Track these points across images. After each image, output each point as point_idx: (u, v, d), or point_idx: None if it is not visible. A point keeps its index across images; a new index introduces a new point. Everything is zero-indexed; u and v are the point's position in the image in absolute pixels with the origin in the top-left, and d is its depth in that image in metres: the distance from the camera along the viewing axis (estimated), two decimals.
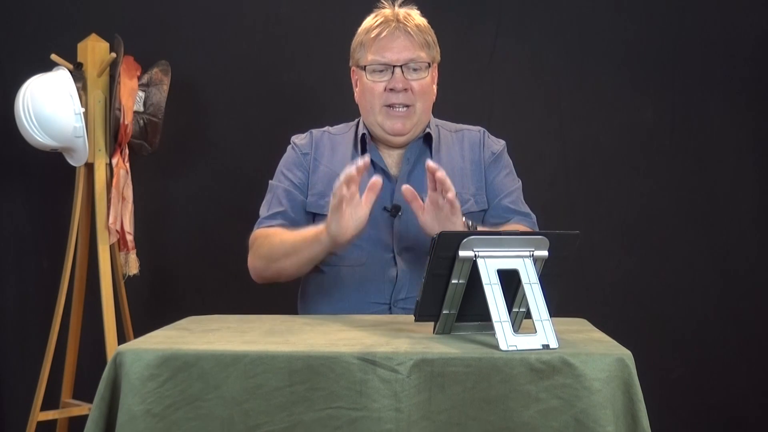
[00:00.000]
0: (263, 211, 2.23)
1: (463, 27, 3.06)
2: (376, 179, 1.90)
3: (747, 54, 3.07)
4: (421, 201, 1.94)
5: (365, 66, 2.18)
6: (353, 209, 1.90)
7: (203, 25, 3.11)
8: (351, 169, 1.86)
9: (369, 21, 2.21)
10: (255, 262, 2.18)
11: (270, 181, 2.27)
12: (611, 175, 3.09)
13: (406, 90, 2.16)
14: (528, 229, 2.16)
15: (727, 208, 3.08)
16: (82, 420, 2.51)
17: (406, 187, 1.94)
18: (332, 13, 3.07)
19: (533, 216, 2.24)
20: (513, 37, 3.10)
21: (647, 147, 3.09)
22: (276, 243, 2.12)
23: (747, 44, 3.07)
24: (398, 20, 2.17)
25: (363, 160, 1.88)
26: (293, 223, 2.18)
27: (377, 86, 2.17)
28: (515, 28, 3.10)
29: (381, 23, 2.18)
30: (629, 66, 3.08)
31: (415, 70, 2.17)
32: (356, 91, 2.26)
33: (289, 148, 2.30)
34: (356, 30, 2.25)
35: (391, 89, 2.16)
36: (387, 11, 2.21)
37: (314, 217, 2.20)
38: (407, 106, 2.17)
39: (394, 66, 2.15)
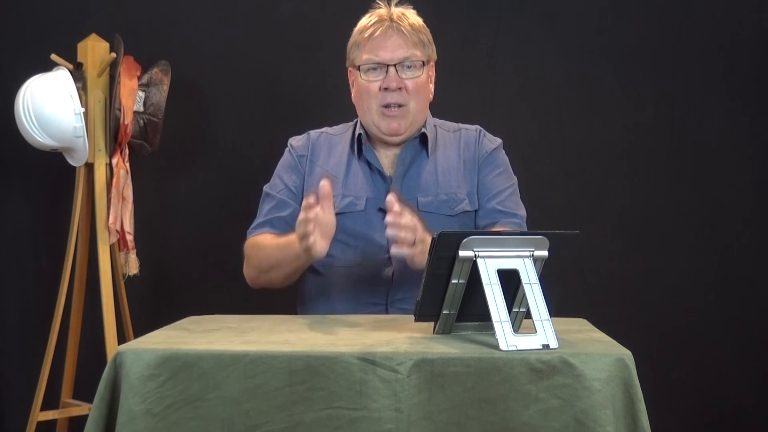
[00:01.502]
0: (256, 219, 2.25)
1: (463, 27, 3.06)
2: (324, 183, 1.86)
3: (747, 54, 3.07)
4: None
5: (360, 66, 2.18)
6: (321, 228, 1.87)
7: (203, 25, 3.11)
8: (307, 206, 1.83)
9: (363, 21, 2.22)
10: (248, 271, 2.21)
11: (264, 187, 2.27)
12: (611, 175, 3.09)
13: (400, 89, 2.16)
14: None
15: (727, 207, 3.07)
16: (82, 420, 2.51)
17: (390, 197, 1.86)
18: (332, 13, 3.07)
19: (522, 215, 2.22)
20: (513, 37, 3.10)
21: (647, 147, 3.09)
22: (263, 255, 2.14)
23: (747, 44, 3.07)
24: (392, 20, 2.18)
25: (324, 183, 1.86)
26: (286, 229, 2.17)
27: (372, 86, 2.17)
28: (515, 28, 3.10)
29: (375, 23, 2.18)
30: (629, 66, 3.08)
31: (409, 68, 2.17)
32: (353, 91, 2.26)
33: (286, 151, 2.30)
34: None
35: (386, 88, 2.16)
36: (382, 11, 2.21)
37: None
38: (402, 105, 2.17)
39: (387, 65, 2.15)
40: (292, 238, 2.00)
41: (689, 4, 3.07)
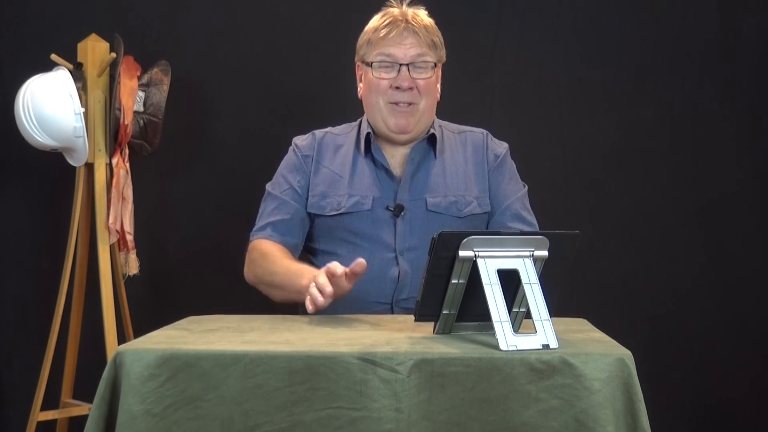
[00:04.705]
0: (258, 220, 2.25)
1: (463, 27, 3.06)
2: (361, 261, 1.80)
3: (747, 54, 3.07)
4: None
5: (372, 62, 2.18)
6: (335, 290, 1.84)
7: (203, 25, 3.11)
8: (330, 275, 1.81)
9: (377, 20, 2.22)
10: (249, 276, 2.21)
11: (267, 186, 2.27)
12: (611, 175, 3.09)
13: (411, 89, 2.16)
14: None
15: (727, 207, 3.07)
16: (82, 420, 2.51)
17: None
18: (332, 13, 3.07)
19: (536, 227, 2.24)
20: (513, 37, 3.10)
21: (647, 147, 3.09)
22: (268, 270, 2.13)
23: (747, 44, 3.07)
24: (407, 20, 2.18)
25: (361, 262, 1.81)
26: (289, 231, 2.19)
27: (383, 83, 2.17)
28: (515, 28, 3.10)
29: (389, 23, 2.18)
30: (629, 66, 3.08)
31: (421, 68, 2.17)
32: (360, 86, 2.26)
33: (290, 149, 2.30)
34: (357, 30, 2.25)
35: (397, 87, 2.16)
36: (395, 10, 2.21)
37: (314, 219, 2.21)
38: (412, 103, 2.17)
39: (400, 64, 2.15)
40: (304, 269, 2.02)
41: (689, 5, 3.07)
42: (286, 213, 2.21)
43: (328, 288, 1.80)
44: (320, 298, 1.81)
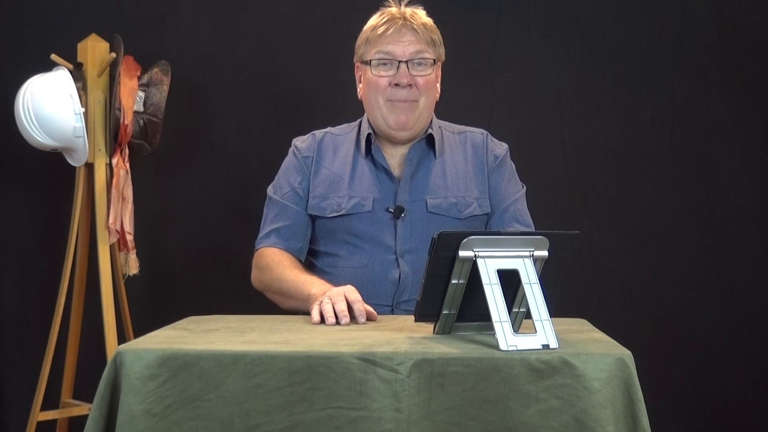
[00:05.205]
0: (262, 227, 2.25)
1: (463, 27, 3.06)
2: (362, 322, 1.82)
3: (747, 54, 3.07)
4: None
5: (370, 60, 2.18)
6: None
7: (203, 25, 3.11)
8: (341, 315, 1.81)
9: (375, 19, 2.22)
10: (256, 283, 2.22)
11: (268, 190, 2.27)
12: (611, 175, 3.09)
13: (410, 85, 2.16)
14: None
15: (727, 207, 3.07)
16: (82, 420, 2.51)
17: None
18: (332, 14, 3.07)
19: (531, 223, 2.25)
20: (513, 37, 3.10)
21: (647, 147, 3.09)
22: (275, 279, 2.13)
23: (747, 45, 3.07)
24: (405, 18, 2.18)
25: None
26: (293, 236, 2.19)
27: (382, 80, 2.17)
28: (515, 28, 3.10)
29: (387, 21, 2.18)
30: (629, 66, 3.08)
31: (420, 65, 2.17)
32: (359, 87, 2.26)
33: (290, 151, 2.29)
34: (357, 29, 2.25)
35: (396, 84, 2.16)
36: (393, 9, 2.21)
37: (314, 220, 2.21)
38: (412, 101, 2.17)
39: (399, 61, 2.15)
40: (313, 279, 2.03)
41: (689, 5, 3.07)
42: (288, 218, 2.21)
43: (346, 320, 1.79)
44: (332, 321, 1.79)
